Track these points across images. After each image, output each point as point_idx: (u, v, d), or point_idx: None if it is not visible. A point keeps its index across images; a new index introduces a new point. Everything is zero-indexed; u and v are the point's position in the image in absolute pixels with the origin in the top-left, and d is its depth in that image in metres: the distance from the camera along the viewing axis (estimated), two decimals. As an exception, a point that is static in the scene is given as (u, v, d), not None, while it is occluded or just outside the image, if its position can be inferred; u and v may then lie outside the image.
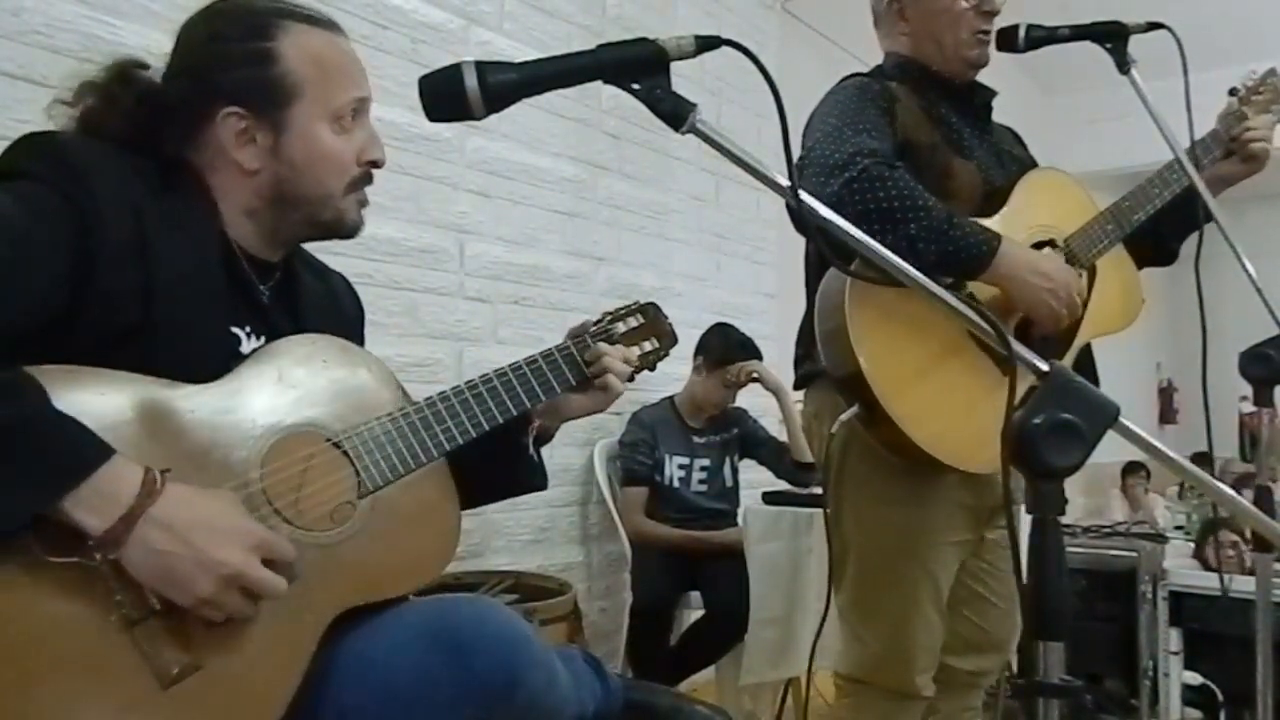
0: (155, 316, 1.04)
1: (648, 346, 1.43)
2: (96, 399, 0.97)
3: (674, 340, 1.47)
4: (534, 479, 1.39)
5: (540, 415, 1.36)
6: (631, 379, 1.40)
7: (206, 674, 0.96)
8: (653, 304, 1.46)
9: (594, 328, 1.38)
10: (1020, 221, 1.66)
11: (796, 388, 1.87)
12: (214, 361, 1.09)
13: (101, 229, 1.02)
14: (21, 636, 0.90)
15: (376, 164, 1.23)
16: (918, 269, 0.95)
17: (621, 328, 1.41)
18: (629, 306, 1.44)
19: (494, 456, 1.32)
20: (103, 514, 0.91)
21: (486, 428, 1.23)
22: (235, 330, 1.15)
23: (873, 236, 0.95)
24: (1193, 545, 3.17)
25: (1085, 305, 1.67)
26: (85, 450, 0.92)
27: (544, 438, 1.39)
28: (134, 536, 0.92)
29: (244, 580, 0.97)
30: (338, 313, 1.32)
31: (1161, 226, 1.78)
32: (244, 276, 1.17)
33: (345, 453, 1.13)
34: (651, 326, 1.44)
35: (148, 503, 0.93)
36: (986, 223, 1.59)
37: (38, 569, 0.91)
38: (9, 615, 0.90)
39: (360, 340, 1.33)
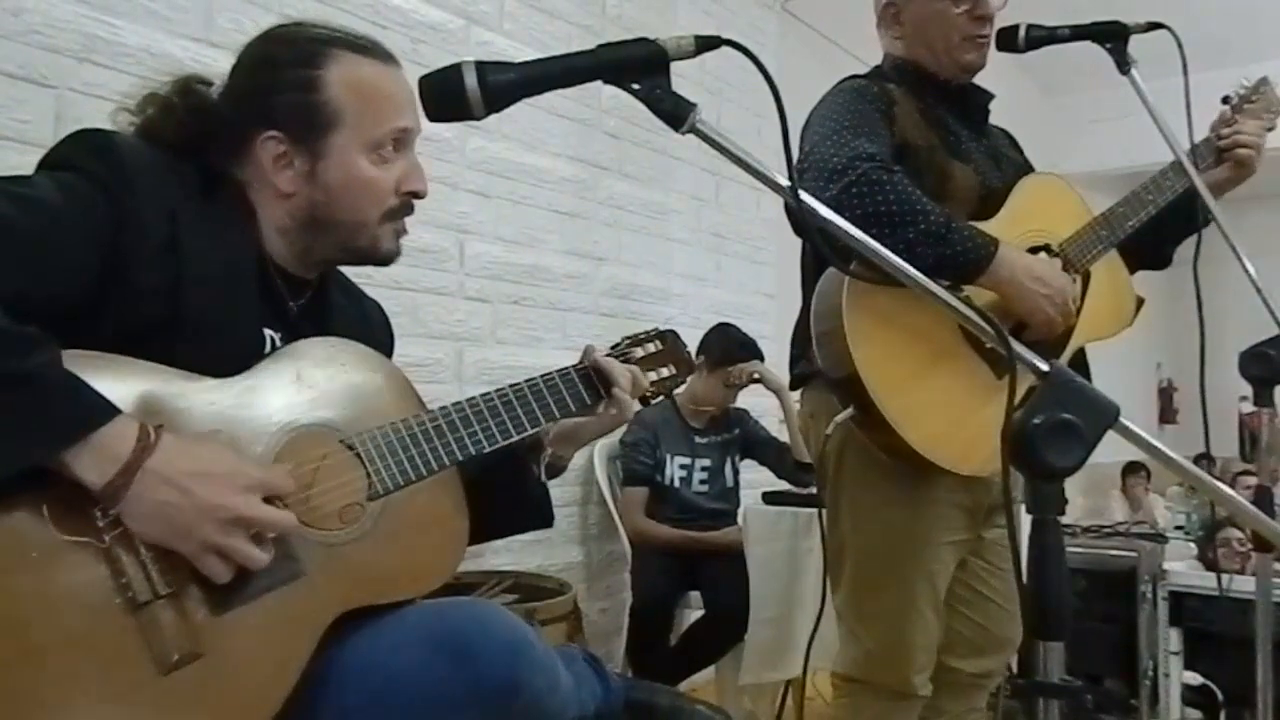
0: (183, 313, 1.06)
1: (665, 373, 1.45)
2: (116, 385, 0.98)
3: (692, 368, 1.50)
4: (541, 512, 1.39)
5: (554, 443, 1.36)
6: (646, 403, 1.42)
7: (206, 663, 0.97)
8: (672, 331, 1.49)
9: (612, 350, 1.40)
10: (1016, 226, 1.67)
11: (792, 388, 1.87)
12: (243, 360, 1.11)
13: (138, 227, 1.04)
14: (26, 612, 0.90)
15: (417, 195, 1.24)
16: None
17: (639, 352, 1.43)
18: (648, 332, 1.47)
19: (502, 485, 1.32)
20: (102, 469, 0.93)
21: (501, 441, 1.23)
22: (268, 332, 1.17)
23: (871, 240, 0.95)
24: (1193, 545, 3.17)
25: (1079, 311, 1.68)
26: (90, 407, 0.94)
27: (556, 469, 1.39)
28: (133, 489, 0.94)
29: (247, 521, 0.98)
30: (367, 337, 1.32)
31: (1159, 230, 1.78)
32: (275, 289, 1.19)
33: (358, 455, 1.13)
34: (669, 353, 1.46)
35: (144, 455, 0.94)
36: (982, 226, 1.59)
37: (51, 546, 0.92)
38: (15, 591, 0.90)
39: None
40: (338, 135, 1.17)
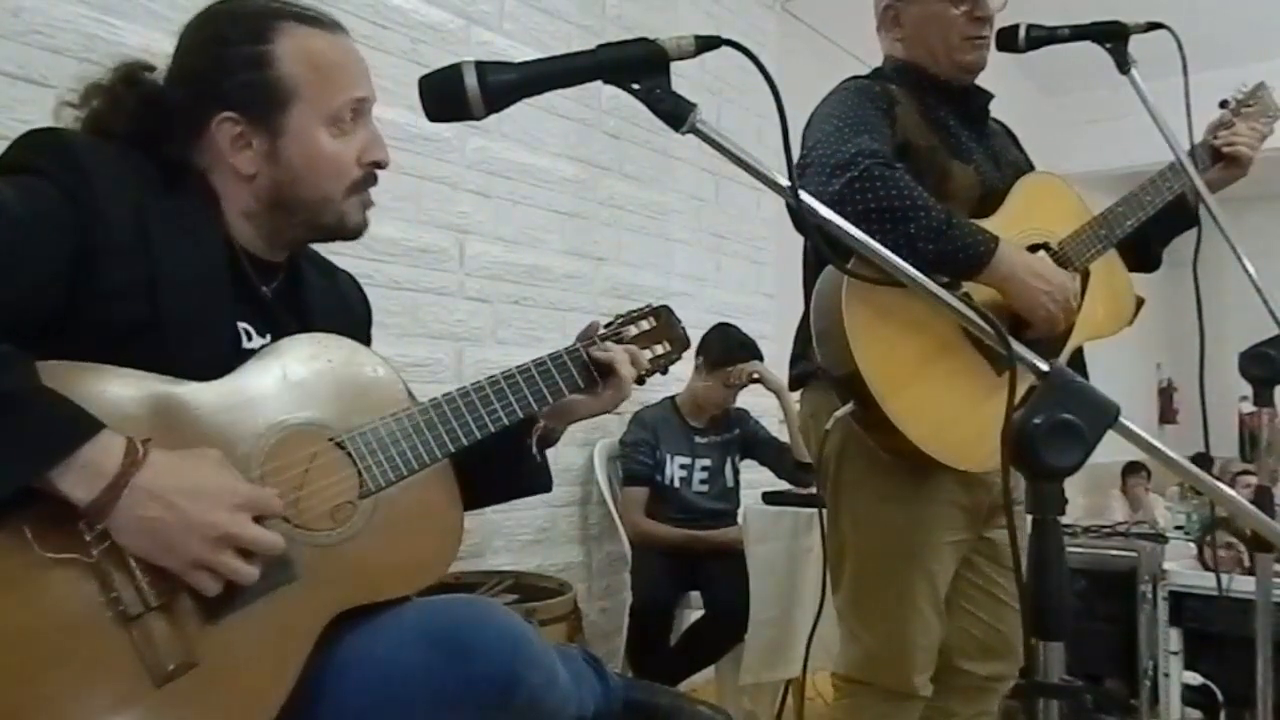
0: (160, 313, 1.04)
1: (659, 350, 1.43)
2: (104, 395, 0.98)
3: (686, 344, 1.47)
4: (538, 480, 1.39)
5: (546, 417, 1.35)
6: (641, 382, 1.39)
7: (201, 672, 0.96)
8: (665, 307, 1.46)
9: (605, 329, 1.38)
10: (1014, 224, 1.67)
11: (792, 388, 1.87)
12: (219, 358, 1.09)
13: (103, 227, 1.02)
14: (17, 630, 0.90)
15: (379, 165, 1.22)
16: (916, 268, 0.95)
17: (633, 330, 1.41)
18: (642, 309, 1.44)
19: (497, 457, 1.31)
20: (89, 486, 0.91)
21: (492, 429, 1.22)
22: (241, 325, 1.15)
23: (873, 235, 0.95)
24: (1193, 545, 3.17)
25: (1078, 309, 1.68)
26: (73, 424, 0.92)
27: (549, 440, 1.38)
28: (120, 506, 0.93)
29: (234, 540, 0.97)
30: (345, 312, 1.31)
31: (1147, 232, 1.79)
32: (246, 277, 1.17)
33: (349, 453, 1.12)
34: (664, 330, 1.44)
35: (131, 471, 0.93)
36: (981, 225, 1.59)
37: (36, 565, 0.91)
38: (5, 609, 0.90)
39: (367, 340, 1.33)
40: (295, 110, 1.14)
